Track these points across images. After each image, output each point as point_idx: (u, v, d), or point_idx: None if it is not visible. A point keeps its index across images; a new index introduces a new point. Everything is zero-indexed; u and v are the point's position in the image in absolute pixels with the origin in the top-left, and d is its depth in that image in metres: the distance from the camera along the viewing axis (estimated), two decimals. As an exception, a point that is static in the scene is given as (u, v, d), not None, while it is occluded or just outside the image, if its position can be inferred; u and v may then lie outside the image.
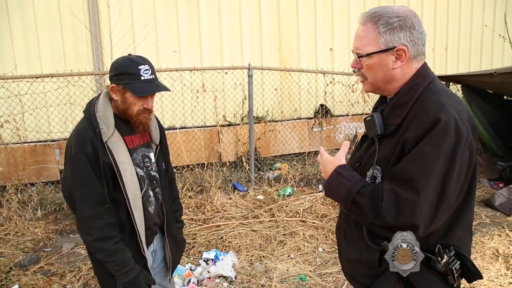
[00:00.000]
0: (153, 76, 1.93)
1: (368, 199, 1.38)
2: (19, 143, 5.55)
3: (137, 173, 1.98)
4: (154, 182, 2.12)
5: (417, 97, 1.41)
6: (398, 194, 1.32)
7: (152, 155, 2.13)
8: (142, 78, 1.88)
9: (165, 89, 1.96)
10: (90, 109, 1.93)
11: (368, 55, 1.45)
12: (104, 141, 1.86)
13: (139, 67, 1.89)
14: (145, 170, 2.07)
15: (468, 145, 1.34)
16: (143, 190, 2.02)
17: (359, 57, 1.49)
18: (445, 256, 1.39)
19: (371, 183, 1.46)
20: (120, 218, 1.96)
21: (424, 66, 1.48)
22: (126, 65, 1.90)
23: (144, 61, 1.93)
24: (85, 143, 1.85)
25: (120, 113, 1.97)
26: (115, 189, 1.92)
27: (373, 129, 1.49)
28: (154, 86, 1.93)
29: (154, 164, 2.14)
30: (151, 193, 2.09)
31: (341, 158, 1.57)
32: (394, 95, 1.49)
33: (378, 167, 1.45)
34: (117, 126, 1.94)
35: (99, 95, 2.00)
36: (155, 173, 2.14)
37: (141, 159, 2.06)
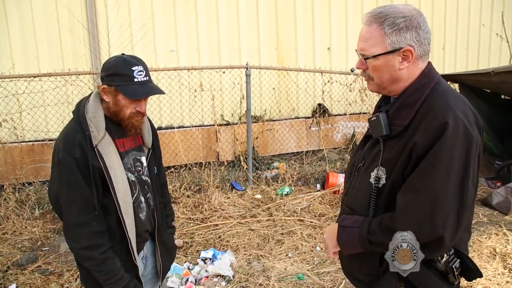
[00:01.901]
0: (147, 78, 1.83)
1: (380, 232, 1.39)
2: (17, 142, 5.54)
3: (128, 178, 1.89)
4: (146, 187, 2.03)
5: (424, 98, 1.39)
6: (415, 208, 1.31)
7: (143, 159, 2.04)
8: (136, 80, 1.78)
9: (160, 92, 1.86)
10: (79, 110, 1.83)
11: (374, 56, 1.42)
12: (94, 145, 1.77)
13: (132, 68, 1.78)
14: (136, 174, 1.97)
15: (478, 147, 1.33)
16: (134, 196, 1.93)
17: (365, 58, 1.46)
18: (445, 255, 1.39)
19: (375, 183, 1.45)
20: (110, 225, 1.86)
21: (430, 67, 1.46)
22: (119, 66, 1.79)
23: (138, 61, 1.82)
24: (74, 147, 1.75)
25: (111, 115, 1.86)
26: (105, 195, 1.83)
27: (378, 130, 1.46)
28: (147, 89, 1.82)
29: (146, 169, 2.04)
30: (142, 198, 1.99)
31: (334, 224, 1.61)
32: (400, 95, 1.46)
33: (382, 168, 1.44)
34: (108, 129, 1.84)
35: (89, 95, 1.90)
36: (147, 178, 2.04)
37: (132, 163, 1.96)
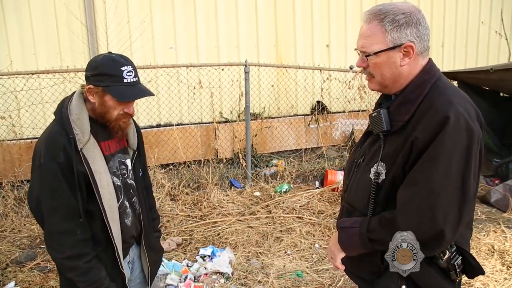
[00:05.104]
0: (136, 78, 1.74)
1: (380, 228, 1.39)
2: (15, 139, 5.53)
3: (113, 182, 1.80)
4: (131, 190, 1.94)
5: (425, 95, 1.40)
6: (415, 202, 1.31)
7: (128, 161, 1.95)
8: (125, 81, 1.69)
9: (149, 94, 1.77)
10: (62, 111, 1.71)
11: (376, 53, 1.43)
12: (79, 149, 1.66)
13: (121, 69, 1.69)
14: (121, 178, 1.88)
15: (480, 142, 1.34)
16: (120, 201, 1.84)
17: (366, 56, 1.46)
18: (447, 252, 1.40)
19: (374, 178, 1.46)
20: (94, 232, 1.76)
21: (430, 63, 1.47)
22: (107, 65, 1.69)
23: (127, 61, 1.73)
24: (57, 151, 1.64)
25: (97, 116, 1.76)
26: (90, 200, 1.73)
27: (379, 125, 1.47)
28: (137, 91, 1.73)
29: (131, 172, 1.95)
30: (127, 203, 1.90)
31: (334, 236, 1.61)
32: (401, 92, 1.47)
33: (382, 163, 1.44)
34: (93, 131, 1.73)
35: (72, 95, 1.78)
36: (132, 181, 1.95)
37: (118, 167, 1.87)
